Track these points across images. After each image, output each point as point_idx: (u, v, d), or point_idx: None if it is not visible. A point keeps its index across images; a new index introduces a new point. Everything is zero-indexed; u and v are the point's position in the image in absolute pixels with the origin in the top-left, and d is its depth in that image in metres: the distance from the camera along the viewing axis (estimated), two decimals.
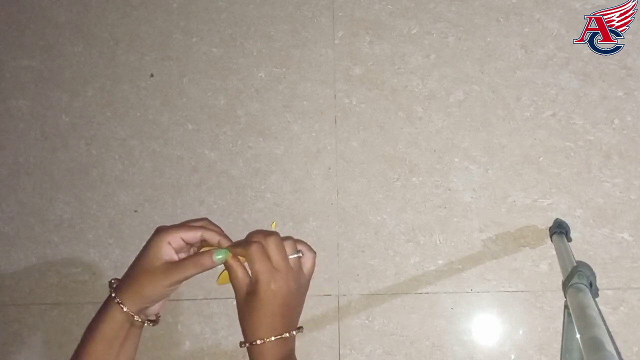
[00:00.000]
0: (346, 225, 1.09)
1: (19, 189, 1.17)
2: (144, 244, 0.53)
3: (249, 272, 0.50)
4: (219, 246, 0.52)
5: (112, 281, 0.52)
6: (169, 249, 0.50)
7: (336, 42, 1.13)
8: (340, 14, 1.14)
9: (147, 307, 0.51)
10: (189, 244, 0.52)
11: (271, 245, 0.50)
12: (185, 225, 0.52)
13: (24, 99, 1.20)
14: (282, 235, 0.52)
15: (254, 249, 0.49)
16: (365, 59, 1.12)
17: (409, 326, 1.05)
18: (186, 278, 0.50)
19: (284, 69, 1.14)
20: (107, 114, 1.17)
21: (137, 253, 0.52)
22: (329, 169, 1.10)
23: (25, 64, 1.21)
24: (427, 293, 1.05)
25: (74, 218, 1.15)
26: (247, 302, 0.49)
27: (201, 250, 0.52)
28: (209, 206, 1.12)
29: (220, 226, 0.54)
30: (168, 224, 0.53)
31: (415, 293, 1.06)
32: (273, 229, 0.54)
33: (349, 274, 1.08)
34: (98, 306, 0.51)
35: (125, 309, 0.49)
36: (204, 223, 0.54)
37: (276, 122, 1.13)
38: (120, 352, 0.50)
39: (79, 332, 0.50)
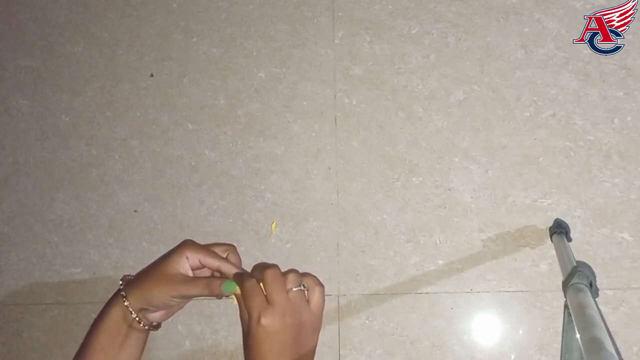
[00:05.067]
0: (346, 225, 1.09)
1: (19, 189, 1.17)
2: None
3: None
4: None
5: (126, 275, 0.53)
6: (185, 263, 0.51)
7: (336, 42, 1.13)
8: (340, 14, 1.14)
9: (148, 310, 0.51)
10: (209, 269, 0.53)
11: (266, 278, 0.47)
12: (209, 249, 0.52)
13: (24, 99, 1.20)
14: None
15: (247, 285, 0.47)
16: (365, 59, 1.12)
17: (409, 326, 1.05)
18: (192, 296, 0.50)
19: (284, 69, 1.14)
20: (107, 114, 1.17)
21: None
22: (329, 169, 1.10)
23: (25, 64, 1.21)
24: (427, 293, 1.05)
25: (74, 218, 1.15)
26: (245, 342, 0.47)
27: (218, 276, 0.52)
28: (209, 206, 1.12)
29: (232, 244, 0.54)
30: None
31: (415, 293, 1.06)
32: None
33: (349, 274, 1.08)
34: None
35: (126, 303, 0.49)
36: (229, 249, 0.53)
37: (276, 122, 1.13)
38: (123, 347, 0.50)
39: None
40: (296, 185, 1.11)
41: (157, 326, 0.53)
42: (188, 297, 0.51)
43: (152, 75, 1.17)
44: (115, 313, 0.50)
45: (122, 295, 0.50)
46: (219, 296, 0.50)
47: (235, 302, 0.51)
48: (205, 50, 1.16)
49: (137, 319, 0.50)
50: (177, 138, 1.15)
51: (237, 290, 0.49)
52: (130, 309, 0.49)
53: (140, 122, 1.16)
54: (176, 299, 0.50)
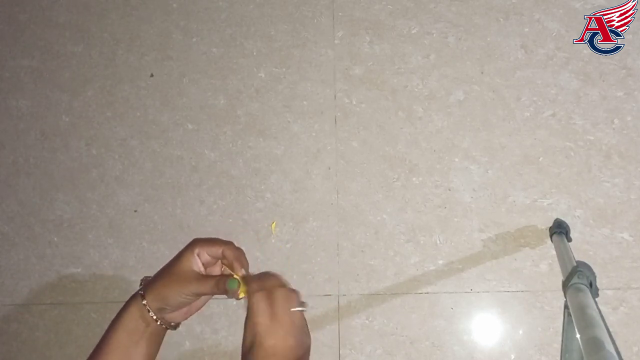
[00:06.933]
0: (346, 225, 1.09)
1: (19, 189, 1.17)
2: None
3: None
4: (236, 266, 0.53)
5: (146, 277, 0.54)
6: (197, 260, 0.53)
7: (336, 42, 1.13)
8: (340, 14, 1.14)
9: (166, 310, 0.52)
10: (216, 258, 0.54)
11: (278, 296, 0.47)
12: (212, 239, 0.54)
13: (24, 99, 1.20)
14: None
15: (258, 298, 0.47)
16: (365, 59, 1.12)
17: (409, 326, 1.05)
18: (204, 294, 0.52)
19: (284, 69, 1.14)
20: (107, 114, 1.17)
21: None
22: (329, 169, 1.10)
23: (25, 64, 1.21)
24: (427, 293, 1.05)
25: (74, 218, 1.15)
26: (249, 353, 0.46)
27: (226, 274, 0.54)
28: (209, 206, 1.12)
29: (232, 241, 0.56)
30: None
31: (415, 293, 1.06)
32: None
33: (349, 274, 1.08)
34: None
35: (144, 302, 0.51)
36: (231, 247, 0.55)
37: (276, 122, 1.13)
38: (140, 345, 0.51)
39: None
40: (296, 185, 1.11)
41: (176, 326, 0.55)
42: (200, 295, 0.52)
43: (152, 75, 1.17)
44: (134, 312, 0.51)
45: (141, 294, 0.51)
46: (230, 294, 0.51)
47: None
48: (205, 50, 1.16)
49: (154, 318, 0.51)
50: (177, 138, 1.15)
51: (242, 287, 0.50)
52: (148, 308, 0.51)
53: (140, 122, 1.16)
54: (189, 297, 0.52)
